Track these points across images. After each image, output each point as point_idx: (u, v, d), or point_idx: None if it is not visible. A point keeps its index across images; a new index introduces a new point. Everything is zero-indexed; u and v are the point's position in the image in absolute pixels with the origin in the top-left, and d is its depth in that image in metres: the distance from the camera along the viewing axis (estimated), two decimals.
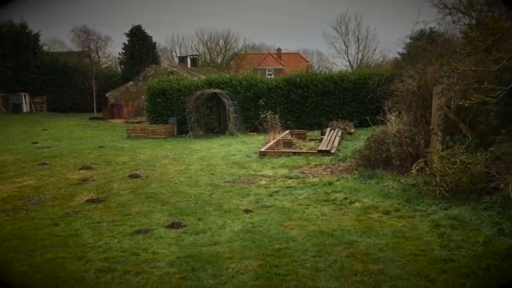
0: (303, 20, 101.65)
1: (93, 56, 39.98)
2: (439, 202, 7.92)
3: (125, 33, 39.79)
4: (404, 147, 10.50)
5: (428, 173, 8.64)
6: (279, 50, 66.91)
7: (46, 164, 14.09)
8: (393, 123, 13.21)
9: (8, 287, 5.33)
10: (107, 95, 35.46)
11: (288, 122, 22.20)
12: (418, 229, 6.82)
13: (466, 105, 4.82)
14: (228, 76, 26.37)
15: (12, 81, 38.60)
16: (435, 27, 22.35)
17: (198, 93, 22.90)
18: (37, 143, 20.23)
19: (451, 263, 5.56)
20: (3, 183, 11.36)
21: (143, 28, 39.96)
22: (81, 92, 39.16)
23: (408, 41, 25.00)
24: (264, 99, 22.41)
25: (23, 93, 39.23)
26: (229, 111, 22.42)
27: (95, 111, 36.42)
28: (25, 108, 39.44)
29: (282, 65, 62.23)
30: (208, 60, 49.51)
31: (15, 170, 13.20)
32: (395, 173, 9.79)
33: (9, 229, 7.62)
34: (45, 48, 43.71)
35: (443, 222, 6.95)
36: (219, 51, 50.57)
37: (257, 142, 17.70)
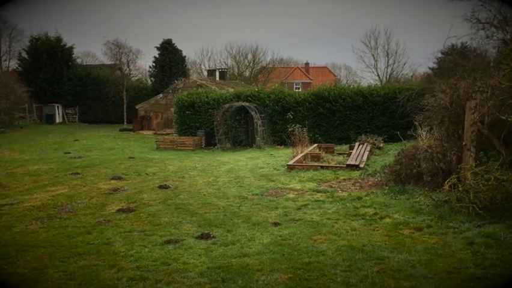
0: (331, 34, 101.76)
1: (124, 68, 40.94)
2: (473, 219, 7.74)
3: (156, 47, 40.67)
4: (436, 163, 10.34)
5: (460, 189, 8.45)
6: (307, 63, 66.99)
7: (78, 173, 14.42)
8: (424, 139, 13.02)
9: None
10: (137, 107, 36.15)
11: (316, 135, 22.16)
12: (451, 246, 6.68)
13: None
14: (256, 89, 26.53)
15: (46, 93, 39.87)
16: (467, 42, 22.08)
17: (226, 106, 23.13)
18: (69, 153, 20.76)
19: (486, 281, 5.43)
20: (37, 192, 11.69)
21: (173, 42, 40.75)
22: (112, 104, 40.08)
23: (439, 55, 24.73)
24: (291, 113, 22.41)
25: (56, 105, 40.42)
26: (256, 125, 22.54)
27: (125, 123, 37.20)
28: (58, 119, 40.56)
29: (310, 78, 62.26)
30: (237, 74, 49.89)
31: (49, 179, 13.55)
32: (426, 188, 9.63)
33: (44, 236, 7.81)
34: (78, 61, 45.01)
35: (476, 240, 6.79)
36: (247, 64, 50.88)
37: (285, 155, 17.71)
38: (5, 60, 47.46)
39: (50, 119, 39.53)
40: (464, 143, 9.66)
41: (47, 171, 15.14)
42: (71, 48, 42.25)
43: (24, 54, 41.30)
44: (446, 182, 9.02)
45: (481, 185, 8.14)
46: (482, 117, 9.86)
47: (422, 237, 7.17)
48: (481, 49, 18.20)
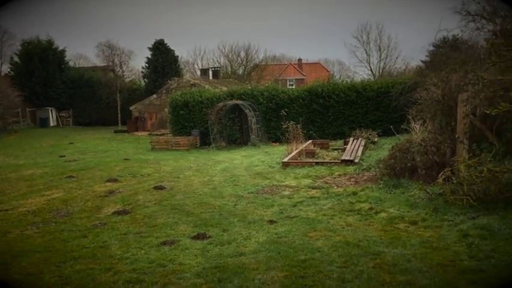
0: (323, 30, 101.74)
1: (117, 70, 40.84)
2: (467, 211, 7.77)
3: (149, 48, 40.57)
4: (430, 156, 10.36)
5: (454, 182, 8.49)
6: (299, 60, 67.03)
7: (73, 177, 14.37)
8: (418, 132, 13.05)
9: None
10: (131, 108, 36.07)
11: (311, 132, 22.21)
12: (446, 239, 6.71)
13: (493, 113, 4.75)
14: (249, 87, 26.52)
15: (39, 96, 39.73)
16: (458, 35, 22.17)
17: (220, 104, 23.10)
18: (64, 156, 20.66)
19: (481, 273, 5.46)
20: (32, 196, 11.63)
21: (165, 42, 40.65)
22: (106, 106, 39.99)
23: (431, 48, 24.78)
24: (285, 110, 22.45)
25: (49, 108, 40.29)
26: (251, 122, 22.53)
27: (119, 124, 37.13)
28: (52, 122, 40.43)
29: (303, 75, 62.29)
30: (230, 72, 49.91)
31: (43, 183, 13.50)
32: (420, 182, 9.67)
33: (39, 241, 7.78)
34: (71, 63, 44.94)
35: (471, 232, 6.82)
36: (240, 62, 50.93)
37: (280, 153, 17.72)
38: None
39: (44, 123, 39.40)
40: (457, 136, 9.69)
41: (41, 175, 15.08)
42: (63, 51, 42.18)
43: (16, 58, 41.16)
44: (440, 175, 9.04)
45: (474, 177, 8.17)
46: (474, 110, 9.89)
47: (417, 231, 7.20)
48: (472, 41, 18.28)
